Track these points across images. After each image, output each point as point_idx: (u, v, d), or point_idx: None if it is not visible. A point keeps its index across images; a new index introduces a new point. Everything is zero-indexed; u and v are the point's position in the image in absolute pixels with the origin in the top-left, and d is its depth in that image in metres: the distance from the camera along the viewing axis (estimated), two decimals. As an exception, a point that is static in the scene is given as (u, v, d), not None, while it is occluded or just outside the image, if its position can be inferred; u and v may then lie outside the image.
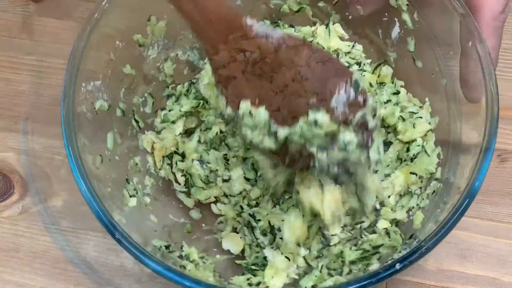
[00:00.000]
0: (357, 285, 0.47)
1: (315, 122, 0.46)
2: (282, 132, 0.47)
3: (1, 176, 0.69)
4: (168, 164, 0.64)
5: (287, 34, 0.47)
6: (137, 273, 0.64)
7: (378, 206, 0.60)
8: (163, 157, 0.65)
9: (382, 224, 0.59)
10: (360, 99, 0.46)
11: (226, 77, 0.48)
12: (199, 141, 0.65)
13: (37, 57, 0.76)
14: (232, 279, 0.57)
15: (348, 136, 0.47)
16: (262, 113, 0.47)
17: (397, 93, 0.64)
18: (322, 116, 0.46)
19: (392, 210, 0.59)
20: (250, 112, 0.48)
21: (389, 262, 0.48)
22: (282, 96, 0.47)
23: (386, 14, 0.63)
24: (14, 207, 0.68)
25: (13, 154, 0.71)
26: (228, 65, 0.48)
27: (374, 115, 0.48)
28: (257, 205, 0.61)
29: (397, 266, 0.47)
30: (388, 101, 0.63)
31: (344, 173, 0.50)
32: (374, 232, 0.58)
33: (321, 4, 0.66)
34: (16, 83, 0.75)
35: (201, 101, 0.65)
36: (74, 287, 0.64)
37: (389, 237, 0.56)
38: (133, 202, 0.58)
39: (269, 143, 0.48)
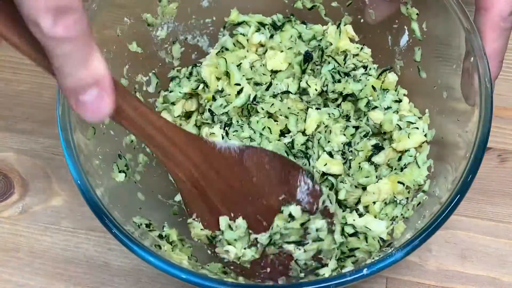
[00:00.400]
0: (323, 284, 0.47)
1: (290, 216, 0.51)
2: (263, 237, 0.51)
3: (1, 176, 0.69)
4: None
5: (242, 144, 0.50)
6: (137, 273, 0.64)
7: (362, 211, 0.60)
8: None
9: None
10: (317, 187, 0.51)
11: (199, 198, 0.51)
12: (195, 125, 0.65)
13: (37, 57, 0.76)
14: (208, 265, 0.57)
15: (319, 223, 0.52)
16: (241, 223, 0.51)
17: (399, 101, 0.64)
18: (295, 208, 0.51)
19: (375, 217, 0.59)
20: (229, 226, 0.50)
21: (359, 266, 0.48)
22: (252, 202, 0.51)
23: (397, 21, 0.63)
24: (14, 207, 0.68)
25: (13, 154, 0.71)
26: (197, 184, 0.50)
27: (330, 201, 0.52)
28: None
29: (365, 271, 0.47)
30: (389, 107, 0.63)
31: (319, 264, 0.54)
32: (354, 234, 0.58)
33: (334, 4, 0.66)
34: (16, 83, 0.75)
35: (201, 84, 0.65)
36: (74, 287, 0.64)
37: (367, 242, 0.57)
38: (121, 177, 0.57)
39: (251, 253, 0.51)
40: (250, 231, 0.51)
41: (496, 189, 0.67)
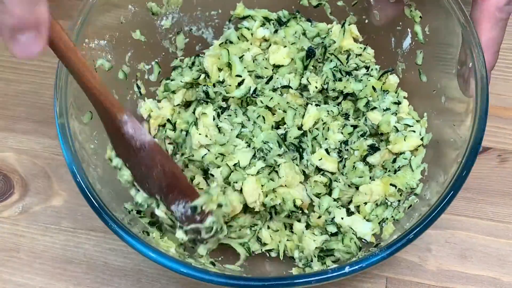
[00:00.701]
0: (304, 279, 0.48)
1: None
2: (139, 196, 0.55)
3: (1, 176, 0.69)
4: (162, 133, 0.65)
5: (153, 141, 0.53)
6: (137, 273, 0.64)
7: (354, 211, 0.60)
8: (158, 126, 0.65)
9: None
10: (198, 217, 0.55)
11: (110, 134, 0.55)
12: (194, 113, 0.65)
13: (37, 57, 0.76)
14: (195, 254, 0.57)
15: (179, 235, 0.55)
16: (125, 173, 0.54)
17: (398, 103, 0.64)
18: (159, 212, 0.55)
19: (365, 217, 0.59)
20: (120, 167, 0.55)
21: (341, 265, 0.49)
22: (140, 173, 0.55)
23: (401, 23, 0.63)
24: (14, 207, 0.68)
25: (13, 154, 0.71)
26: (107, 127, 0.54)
27: (210, 231, 0.55)
28: None
29: (347, 269, 0.47)
30: (387, 109, 0.63)
31: None
32: (335, 234, 0.58)
33: (340, 3, 0.66)
34: (16, 83, 0.75)
35: (203, 74, 0.65)
36: (74, 287, 0.64)
37: (343, 243, 0.57)
38: (116, 162, 0.57)
39: (135, 194, 0.55)
40: (134, 183, 0.55)
41: (496, 189, 0.67)
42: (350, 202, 0.61)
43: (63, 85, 0.54)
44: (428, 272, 0.63)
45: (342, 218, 0.59)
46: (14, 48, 0.40)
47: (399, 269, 0.64)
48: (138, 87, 0.64)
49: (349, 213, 0.60)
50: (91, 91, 0.49)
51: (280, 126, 0.63)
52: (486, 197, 0.67)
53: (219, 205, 0.56)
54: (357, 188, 0.61)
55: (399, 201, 0.59)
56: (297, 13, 0.68)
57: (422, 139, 0.61)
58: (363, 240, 0.58)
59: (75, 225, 0.67)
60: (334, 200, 0.61)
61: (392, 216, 0.58)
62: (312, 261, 0.58)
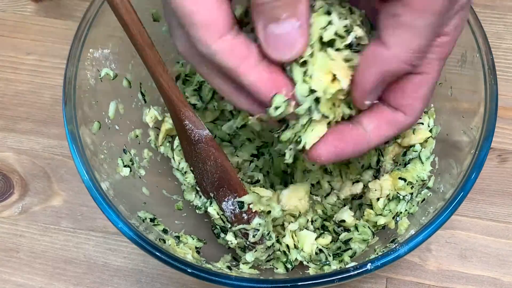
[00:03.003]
0: (327, 279, 0.48)
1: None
2: (196, 201, 0.60)
3: (1, 176, 0.69)
4: (169, 141, 0.65)
5: (209, 135, 0.55)
6: (137, 273, 0.64)
7: (365, 206, 0.60)
8: (167, 134, 0.65)
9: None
10: (245, 216, 0.55)
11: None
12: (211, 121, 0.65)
13: (37, 57, 0.76)
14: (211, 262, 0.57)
15: (228, 237, 0.57)
16: (189, 177, 0.59)
17: None
18: (212, 210, 0.57)
19: (376, 214, 0.59)
20: (185, 171, 0.59)
21: (362, 262, 0.49)
22: (198, 170, 0.58)
23: None
24: (14, 207, 0.68)
25: (13, 154, 0.71)
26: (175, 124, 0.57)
27: (255, 234, 0.56)
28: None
29: (369, 266, 0.47)
30: None
31: None
32: (348, 229, 0.59)
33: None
34: (16, 83, 0.75)
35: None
36: (74, 287, 0.64)
37: (358, 231, 0.57)
38: (126, 172, 0.57)
39: (192, 197, 0.61)
40: (196, 187, 0.59)
41: (496, 189, 0.67)
42: (361, 197, 0.61)
43: (72, 93, 0.54)
44: (428, 272, 0.63)
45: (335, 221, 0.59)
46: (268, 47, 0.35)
47: (399, 269, 0.64)
48: (143, 95, 0.63)
49: (361, 209, 0.60)
50: (161, 84, 0.53)
51: None
52: (486, 197, 0.67)
53: (269, 211, 0.57)
54: (357, 181, 0.61)
55: (411, 194, 0.59)
56: None
57: (430, 130, 0.60)
58: (369, 226, 0.58)
59: (75, 225, 0.67)
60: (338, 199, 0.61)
61: (406, 210, 0.58)
62: (327, 259, 0.58)
